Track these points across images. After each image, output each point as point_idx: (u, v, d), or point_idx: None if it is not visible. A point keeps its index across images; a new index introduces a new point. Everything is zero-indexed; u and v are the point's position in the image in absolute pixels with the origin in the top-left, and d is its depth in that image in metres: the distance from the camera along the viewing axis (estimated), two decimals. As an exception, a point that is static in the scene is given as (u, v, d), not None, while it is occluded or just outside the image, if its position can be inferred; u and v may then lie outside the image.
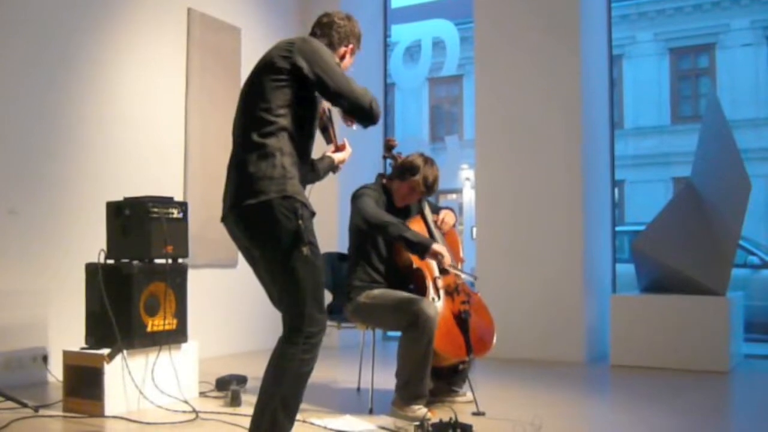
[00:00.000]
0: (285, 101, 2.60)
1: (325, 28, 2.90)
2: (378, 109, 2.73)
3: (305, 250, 2.50)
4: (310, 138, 2.75)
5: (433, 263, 3.74)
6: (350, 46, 2.94)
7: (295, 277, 2.51)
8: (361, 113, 2.71)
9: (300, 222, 2.51)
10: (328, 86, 2.63)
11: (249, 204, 2.53)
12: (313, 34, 2.91)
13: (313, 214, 2.61)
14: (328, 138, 3.01)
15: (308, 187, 2.82)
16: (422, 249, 3.61)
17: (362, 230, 3.81)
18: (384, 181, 4.03)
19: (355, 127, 2.90)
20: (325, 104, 2.92)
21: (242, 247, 2.72)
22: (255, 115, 2.61)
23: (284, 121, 2.59)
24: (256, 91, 2.64)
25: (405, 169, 3.90)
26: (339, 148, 3.09)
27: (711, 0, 16.22)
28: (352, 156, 3.14)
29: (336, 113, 2.90)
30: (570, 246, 5.64)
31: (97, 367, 3.65)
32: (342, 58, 2.91)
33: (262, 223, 2.53)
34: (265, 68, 2.65)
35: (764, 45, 15.83)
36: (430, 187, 3.89)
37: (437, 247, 3.61)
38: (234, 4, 6.10)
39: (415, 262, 3.76)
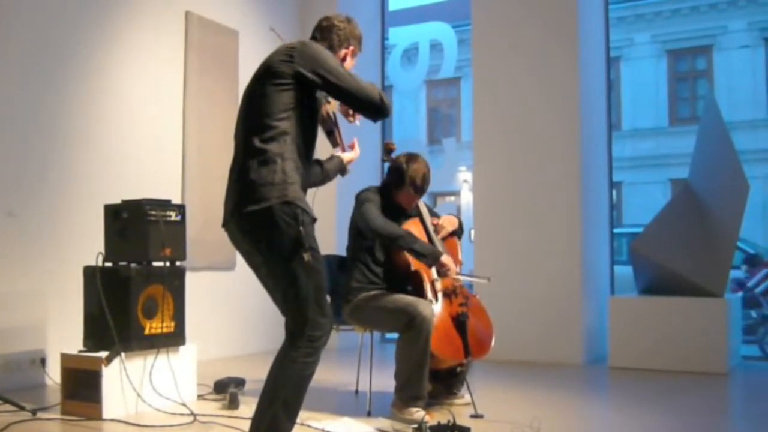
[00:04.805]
0: (286, 106, 2.61)
1: (325, 31, 2.91)
2: (388, 101, 2.76)
3: (306, 256, 2.51)
4: (312, 141, 2.75)
5: (431, 264, 3.75)
6: (351, 48, 2.95)
7: (296, 282, 2.51)
8: (372, 108, 2.73)
9: (301, 228, 2.51)
10: (335, 86, 2.65)
11: (251, 210, 2.53)
12: (313, 38, 2.91)
13: (314, 220, 2.62)
14: (334, 141, 3.00)
15: (312, 191, 2.82)
16: (431, 260, 3.68)
17: (362, 233, 3.81)
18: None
19: (358, 122, 2.91)
20: (329, 108, 2.92)
21: (244, 252, 2.72)
22: (256, 120, 2.61)
23: (286, 126, 2.60)
24: (258, 96, 2.64)
25: (394, 178, 3.90)
26: (346, 151, 3.09)
27: (708, 2, 16.26)
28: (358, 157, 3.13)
29: (340, 115, 2.90)
30: (568, 248, 5.64)
31: (95, 369, 3.65)
32: (343, 60, 2.91)
33: (264, 229, 2.54)
34: (266, 74, 2.66)
35: (761, 47, 15.86)
36: (420, 188, 3.89)
37: (446, 259, 3.67)
38: (232, 7, 6.10)
39: (413, 264, 3.76)
